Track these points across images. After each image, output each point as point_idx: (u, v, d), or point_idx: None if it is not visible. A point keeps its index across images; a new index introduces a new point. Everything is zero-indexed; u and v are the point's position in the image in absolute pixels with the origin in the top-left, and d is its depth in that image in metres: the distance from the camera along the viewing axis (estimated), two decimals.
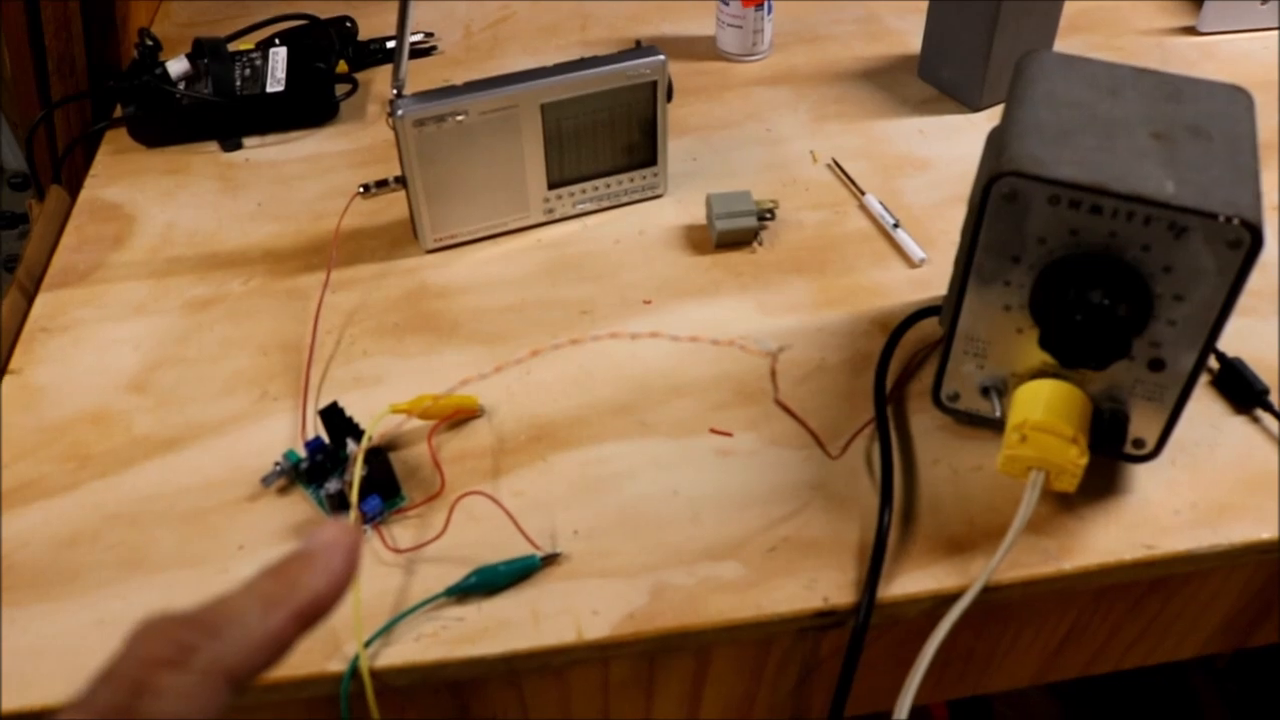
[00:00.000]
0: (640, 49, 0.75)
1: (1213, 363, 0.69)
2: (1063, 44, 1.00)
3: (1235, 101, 0.58)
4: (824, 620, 0.56)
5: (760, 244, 0.78)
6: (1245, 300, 0.73)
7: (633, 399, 0.67)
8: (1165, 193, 0.51)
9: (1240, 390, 0.67)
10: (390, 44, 1.00)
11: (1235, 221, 0.50)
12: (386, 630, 0.55)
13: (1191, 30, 1.03)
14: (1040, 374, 0.59)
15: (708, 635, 0.56)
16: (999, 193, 0.53)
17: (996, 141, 0.57)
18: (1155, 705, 1.25)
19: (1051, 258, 0.54)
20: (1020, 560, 0.58)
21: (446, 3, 1.08)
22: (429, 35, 1.02)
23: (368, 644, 0.54)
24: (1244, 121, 0.57)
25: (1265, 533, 0.59)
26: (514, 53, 1.01)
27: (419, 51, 1.00)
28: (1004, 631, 0.64)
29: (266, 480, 0.62)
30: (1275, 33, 1.03)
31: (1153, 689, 1.24)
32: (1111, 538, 0.59)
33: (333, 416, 0.62)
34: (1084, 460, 0.55)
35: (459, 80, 0.75)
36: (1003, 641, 0.65)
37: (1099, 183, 0.52)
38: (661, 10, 1.07)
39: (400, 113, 0.71)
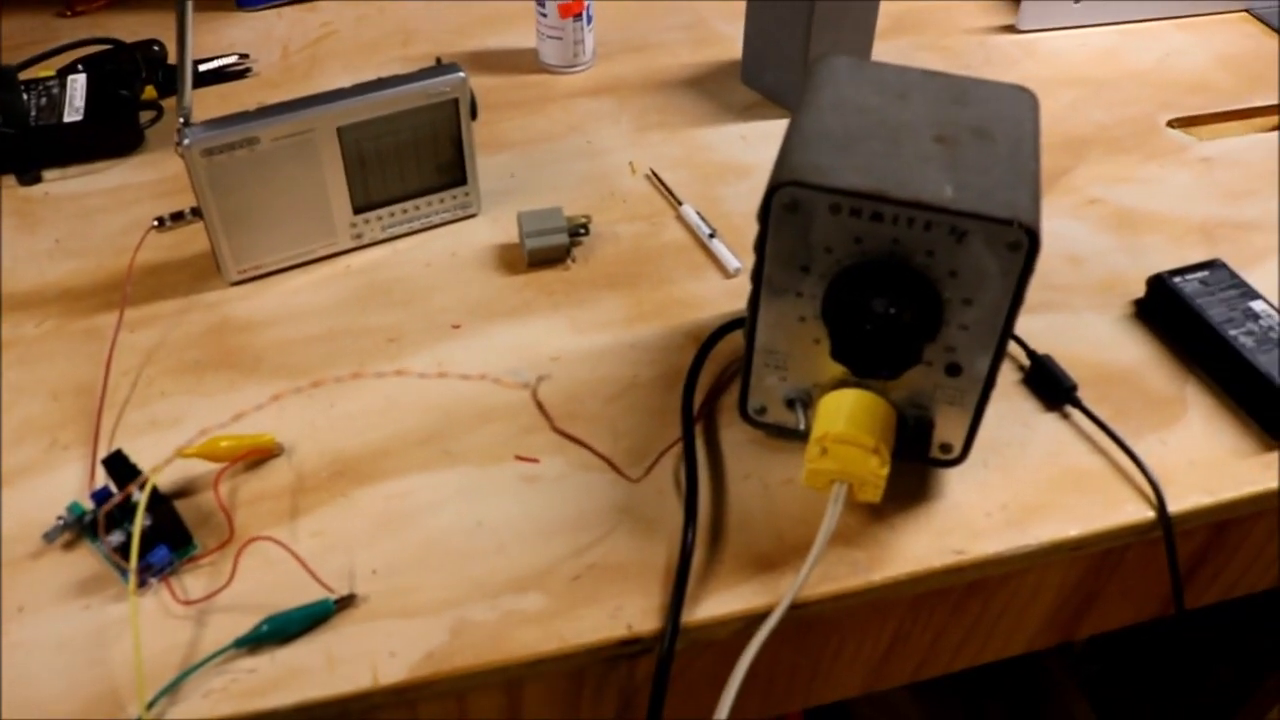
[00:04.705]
0: (440, 66, 0.73)
1: (1024, 360, 0.69)
2: (888, 45, 1.00)
3: (1020, 102, 0.58)
4: (630, 649, 0.55)
5: (574, 260, 0.76)
6: (1056, 295, 0.74)
7: (438, 428, 0.65)
8: (944, 197, 0.51)
9: (1050, 388, 0.67)
10: (204, 67, 0.96)
11: (1014, 224, 0.50)
12: (172, 688, 0.52)
13: (1012, 29, 1.04)
14: (843, 384, 0.58)
15: (512, 670, 0.54)
16: (780, 203, 0.52)
17: (782, 150, 0.56)
18: (1011, 691, 1.26)
19: (839, 267, 0.54)
20: (830, 574, 0.57)
21: (264, 22, 1.04)
22: (243, 57, 0.98)
23: (151, 704, 0.52)
24: (1027, 122, 0.57)
25: (1071, 530, 0.60)
26: (334, 72, 0.98)
27: (231, 74, 0.96)
28: (825, 645, 0.64)
29: (49, 536, 0.58)
30: (1090, 29, 1.05)
31: (1007, 676, 1.26)
32: (922, 545, 0.59)
33: (117, 465, 0.59)
34: (885, 470, 0.55)
35: (274, 104, 0.72)
36: (825, 655, 0.64)
37: (878, 189, 0.51)
38: (486, 23, 1.04)
39: (187, 141, 0.68)
